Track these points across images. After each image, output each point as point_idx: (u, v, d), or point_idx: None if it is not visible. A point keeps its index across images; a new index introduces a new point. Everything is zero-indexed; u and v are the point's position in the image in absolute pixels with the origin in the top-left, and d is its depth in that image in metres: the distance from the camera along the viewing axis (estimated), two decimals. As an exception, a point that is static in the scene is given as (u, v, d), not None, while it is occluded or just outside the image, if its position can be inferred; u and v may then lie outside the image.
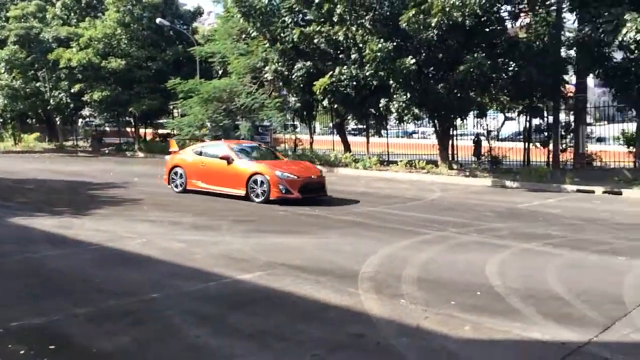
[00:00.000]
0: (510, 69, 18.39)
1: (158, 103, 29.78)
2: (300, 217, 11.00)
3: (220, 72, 24.87)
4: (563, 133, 20.08)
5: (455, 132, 22.26)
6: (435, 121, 19.46)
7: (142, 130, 36.76)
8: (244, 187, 12.68)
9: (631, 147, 18.99)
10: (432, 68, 17.78)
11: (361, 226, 10.07)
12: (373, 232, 9.50)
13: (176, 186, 14.14)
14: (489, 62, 16.19)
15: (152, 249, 7.96)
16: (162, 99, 29.03)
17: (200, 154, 14.11)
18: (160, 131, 35.74)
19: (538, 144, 20.79)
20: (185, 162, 14.17)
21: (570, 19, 19.67)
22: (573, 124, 19.75)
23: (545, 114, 20.47)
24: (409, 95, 16.95)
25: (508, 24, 19.41)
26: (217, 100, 23.73)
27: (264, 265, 7.13)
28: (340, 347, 4.60)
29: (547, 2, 18.60)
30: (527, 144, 21.12)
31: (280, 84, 21.61)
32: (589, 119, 27.32)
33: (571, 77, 19.95)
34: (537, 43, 18.69)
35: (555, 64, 17.98)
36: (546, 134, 20.55)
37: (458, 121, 21.82)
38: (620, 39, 15.42)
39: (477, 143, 22.82)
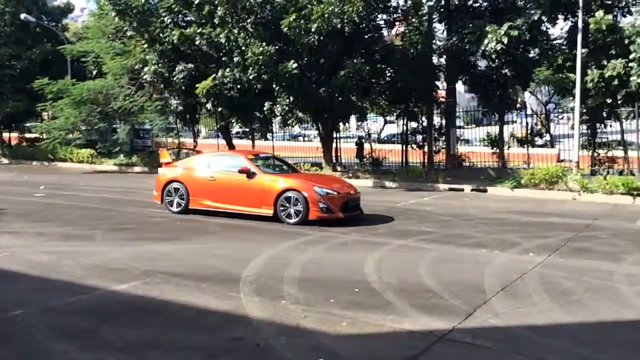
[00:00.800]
0: (388, 74, 19.31)
1: (24, 105, 27.54)
2: (179, 223, 10.70)
3: (94, 72, 23.45)
4: (437, 135, 21.45)
5: (338, 135, 22.91)
6: (319, 124, 19.87)
7: (6, 135, 33.80)
8: (270, 206, 10.45)
9: (495, 149, 20.74)
10: (314, 72, 18.13)
11: (243, 230, 10.02)
12: (255, 235, 9.49)
13: (173, 205, 11.49)
14: (367, 68, 16.86)
15: (15, 263, 7.32)
16: (28, 101, 26.82)
17: (209, 166, 11.53)
18: (28, 135, 33.06)
19: (415, 146, 22.03)
20: (187, 176, 11.49)
21: (440, 29, 21.08)
22: (445, 127, 21.12)
23: (422, 118, 21.70)
24: (292, 98, 17.16)
25: (385, 32, 20.38)
26: (92, 102, 22.39)
27: (141, 274, 6.84)
28: (218, 353, 4.53)
29: (420, 13, 19.78)
30: (405, 146, 22.27)
31: (161, 86, 20.86)
32: (459, 123, 29.47)
33: (443, 83, 21.36)
34: (412, 50, 19.85)
35: (428, 70, 19.16)
36: (422, 136, 21.83)
37: (342, 124, 22.49)
38: (483, 48, 16.82)
39: (360, 145, 23.69)
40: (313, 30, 16.00)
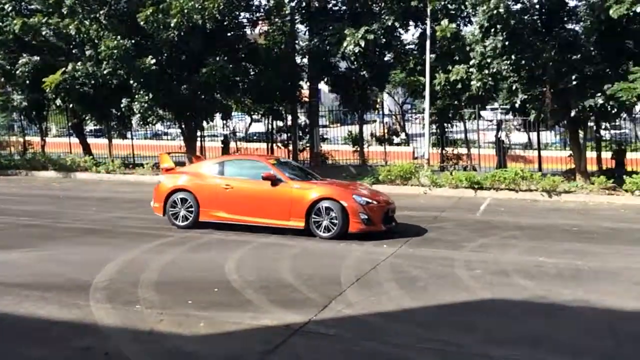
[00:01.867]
0: (252, 73, 19.31)
1: None
2: (18, 228, 9.80)
3: None
4: (301, 134, 21.93)
5: (203, 134, 22.46)
6: (182, 123, 19.33)
7: None
8: (301, 218, 9.13)
9: (356, 147, 21.70)
10: (175, 69, 17.59)
11: (96, 234, 9.43)
12: (111, 239, 8.99)
13: (179, 218, 9.84)
14: (231, 66, 16.74)
15: None
16: None
17: (223, 172, 9.99)
18: None
19: (280, 144, 22.31)
20: (196, 184, 9.92)
21: (303, 30, 21.54)
22: (309, 126, 21.65)
23: (287, 116, 22.03)
24: (151, 95, 16.50)
25: (248, 31, 20.38)
26: None
27: (-27, 287, 6.16)
28: (62, 366, 4.24)
29: (282, 13, 20.04)
30: (270, 144, 22.47)
31: (1, 79, 18.92)
32: (324, 122, 30.36)
33: (307, 83, 21.86)
34: (276, 50, 20.04)
35: (291, 70, 19.48)
36: (287, 135, 22.19)
37: (207, 122, 22.03)
38: (342, 50, 17.50)
39: (225, 144, 23.43)
40: (172, 25, 15.52)
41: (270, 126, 22.54)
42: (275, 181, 9.37)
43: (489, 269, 7.23)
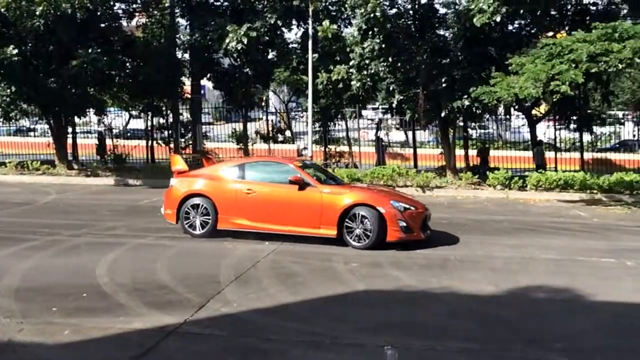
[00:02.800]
0: (129, 66, 18.43)
1: None
2: None
3: None
4: (184, 131, 21.31)
5: (75, 130, 21.07)
6: (50, 118, 17.97)
7: None
8: (333, 226, 8.36)
9: (241, 145, 21.53)
10: (42, 60, 16.30)
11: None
12: (-35, 245, 8.14)
13: (194, 227, 8.93)
14: (105, 59, 15.82)
15: None
16: None
17: (244, 176, 9.08)
18: None
19: (161, 142, 21.53)
20: (213, 188, 9.02)
21: (184, 24, 20.92)
22: (192, 123, 21.10)
23: (168, 113, 21.29)
24: (14, 88, 15.16)
25: (125, 22, 19.40)
26: None
27: None
28: None
29: (161, 5, 19.34)
30: (150, 141, 21.60)
31: None
32: (209, 119, 29.76)
33: (189, 79, 21.27)
34: (155, 44, 19.28)
35: (172, 65, 18.84)
36: (168, 132, 21.46)
37: (79, 118, 20.68)
38: (225, 47, 17.27)
39: (101, 141, 22.15)
40: (38, 13, 14.36)
41: (150, 122, 21.66)
42: (303, 185, 8.54)
43: (365, 262, 7.52)
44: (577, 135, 21.11)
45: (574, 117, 19.54)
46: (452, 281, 6.63)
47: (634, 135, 29.65)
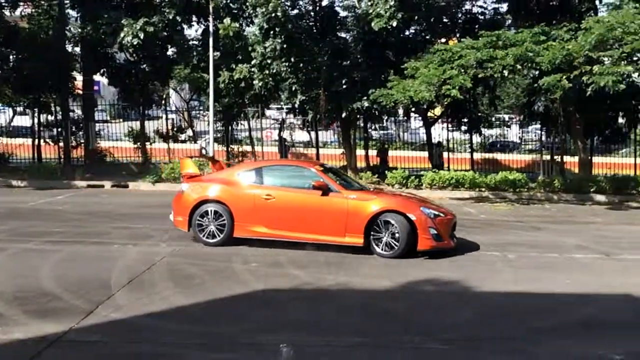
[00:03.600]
0: (12, 59, 17.10)
1: None
2: None
3: None
4: (75, 129, 20.09)
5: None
6: None
7: None
8: (359, 234, 7.86)
9: (138, 144, 20.69)
10: None
11: None
12: None
13: (209, 235, 8.32)
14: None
15: None
16: None
17: (262, 180, 8.55)
18: None
19: (50, 140, 20.18)
20: (229, 193, 8.49)
21: (75, 16, 19.72)
22: (84, 120, 19.96)
23: (57, 110, 19.98)
24: None
25: (7, 12, 17.97)
26: None
27: None
28: None
29: (49, -5, 18.14)
30: (37, 140, 20.16)
31: None
32: (104, 116, 28.31)
33: (81, 74, 20.09)
34: (42, 35, 18.04)
35: (60, 58, 17.72)
36: (58, 130, 20.14)
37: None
38: (120, 41, 16.50)
39: (-20, 139, 20.37)
40: None
41: (37, 120, 20.21)
42: (326, 191, 8.09)
43: (265, 261, 7.50)
44: (468, 136, 22.45)
45: (465, 120, 20.75)
46: (349, 277, 6.79)
47: (519, 137, 31.99)
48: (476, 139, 23.86)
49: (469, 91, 18.21)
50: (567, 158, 21.17)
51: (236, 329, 5.00)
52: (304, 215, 8.14)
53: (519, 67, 13.76)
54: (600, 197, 15.19)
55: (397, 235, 7.66)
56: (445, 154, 22.11)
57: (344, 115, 16.70)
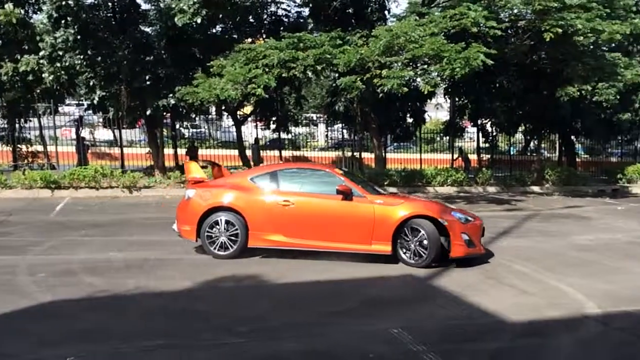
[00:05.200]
0: None
1: None
2: None
3: None
4: None
5: None
6: None
7: None
8: (387, 242, 7.31)
9: None
10: None
11: None
12: None
13: (221, 246, 7.50)
14: None
15: None
16: None
17: (278, 185, 7.73)
18: None
19: None
20: (243, 200, 7.62)
21: None
22: None
23: None
24: None
25: None
26: None
27: None
28: None
29: None
30: None
31: None
32: None
33: None
34: None
35: None
36: None
37: None
38: None
39: None
40: None
41: None
42: (350, 195, 7.49)
43: (55, 271, 6.86)
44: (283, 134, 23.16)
45: (274, 118, 21.37)
46: (149, 281, 6.53)
47: (326, 136, 33.91)
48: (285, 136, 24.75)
49: (275, 90, 18.82)
50: (366, 154, 23.07)
51: (19, 345, 4.50)
52: (326, 223, 7.57)
53: (319, 68, 14.56)
54: (393, 189, 16.85)
55: (425, 242, 7.19)
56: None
57: (148, 112, 16.02)
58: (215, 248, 7.65)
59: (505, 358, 4.47)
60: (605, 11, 14.99)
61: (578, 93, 16.12)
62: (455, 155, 25.43)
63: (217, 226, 7.65)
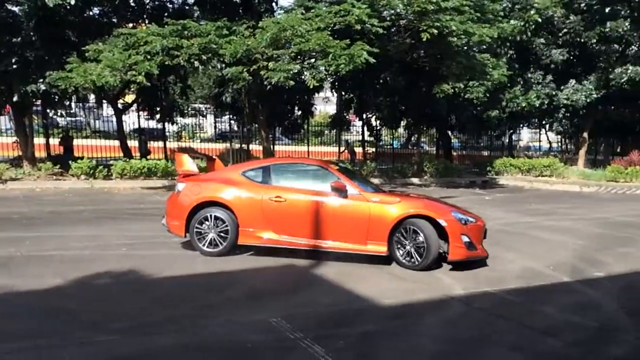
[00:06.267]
0: None
1: None
2: None
3: None
4: None
5: None
6: None
7: None
8: (383, 242, 6.92)
9: None
10: None
11: None
12: None
13: (209, 242, 7.27)
14: None
15: None
16: None
17: (269, 180, 7.40)
18: None
19: None
20: (233, 195, 7.34)
21: None
22: None
23: None
24: None
25: None
26: None
27: None
28: None
29: None
30: None
31: None
32: None
33: None
34: None
35: None
36: None
37: None
38: None
39: None
40: None
41: None
42: (345, 192, 7.10)
43: None
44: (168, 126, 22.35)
45: (158, 108, 20.60)
46: (14, 280, 6.04)
47: (214, 127, 33.30)
48: (172, 127, 23.98)
49: (159, 79, 18.17)
50: (257, 147, 22.99)
51: None
52: (319, 220, 7.14)
53: (204, 57, 14.26)
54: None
55: (422, 243, 6.79)
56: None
57: (15, 98, 14.74)
58: (204, 245, 7.35)
59: (374, 339, 4.69)
60: (477, 15, 16.15)
61: (452, 90, 17.25)
62: (342, 148, 26.17)
63: (207, 222, 7.35)
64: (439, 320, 5.25)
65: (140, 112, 21.98)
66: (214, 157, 8.97)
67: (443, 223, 6.81)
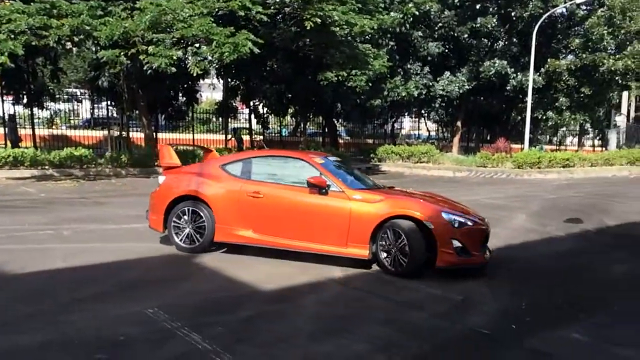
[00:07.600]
0: None
1: None
2: None
3: None
4: None
5: None
6: None
7: None
8: (364, 244, 6.30)
9: None
10: None
11: None
12: None
13: (187, 238, 6.93)
14: None
15: None
16: None
17: (249, 174, 6.93)
18: None
19: None
20: (211, 189, 6.92)
21: None
22: None
23: None
24: None
25: None
26: None
27: None
28: None
29: None
30: None
31: None
32: None
33: None
34: None
35: None
36: None
37: None
38: None
39: None
40: None
41: None
42: (325, 189, 6.49)
43: None
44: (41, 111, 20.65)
45: (24, 92, 19.01)
46: None
47: (91, 113, 31.30)
48: (42, 113, 22.20)
49: (26, 60, 16.80)
50: (138, 134, 21.99)
51: None
52: (297, 219, 6.58)
53: (77, 39, 13.38)
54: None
55: (406, 247, 6.08)
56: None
57: None
58: (180, 240, 6.96)
59: (253, 323, 4.73)
60: (358, 6, 16.64)
61: (336, 78, 17.67)
62: (229, 136, 25.85)
63: (185, 216, 6.96)
64: (317, 301, 5.41)
65: (5, 97, 20.09)
66: (211, 148, 8.59)
67: (429, 225, 6.09)
